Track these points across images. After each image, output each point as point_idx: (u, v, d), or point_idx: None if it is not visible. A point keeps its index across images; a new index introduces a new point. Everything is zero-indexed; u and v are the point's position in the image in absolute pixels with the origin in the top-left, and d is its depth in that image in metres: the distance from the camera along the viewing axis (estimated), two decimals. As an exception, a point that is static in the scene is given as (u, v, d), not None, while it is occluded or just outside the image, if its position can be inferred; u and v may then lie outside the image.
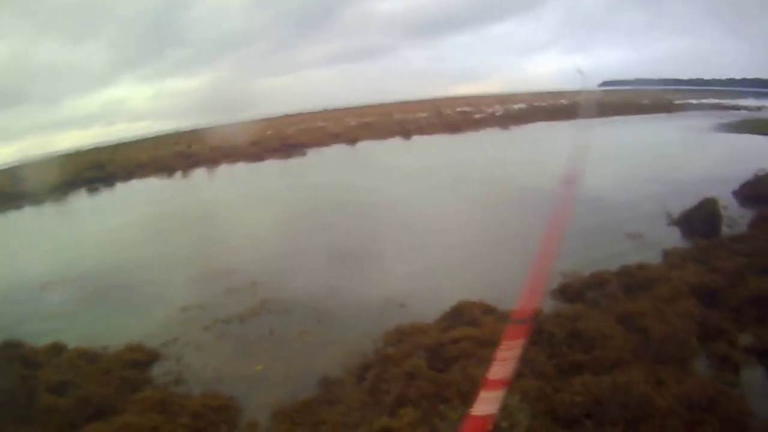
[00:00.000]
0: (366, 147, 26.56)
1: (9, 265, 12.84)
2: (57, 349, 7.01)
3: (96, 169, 28.41)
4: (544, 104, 42.39)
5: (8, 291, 10.72)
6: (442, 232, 10.83)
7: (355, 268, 9.34)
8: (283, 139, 29.69)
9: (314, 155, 26.07)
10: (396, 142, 26.97)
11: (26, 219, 21.19)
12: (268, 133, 33.03)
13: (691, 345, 5.45)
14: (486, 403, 1.34)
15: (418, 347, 5.79)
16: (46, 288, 10.46)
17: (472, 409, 1.36)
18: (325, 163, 23.16)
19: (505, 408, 4.27)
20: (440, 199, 13.50)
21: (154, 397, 5.70)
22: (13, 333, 7.39)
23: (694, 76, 73.67)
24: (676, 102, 37.43)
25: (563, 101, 43.45)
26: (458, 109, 38.89)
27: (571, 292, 7.28)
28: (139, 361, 6.69)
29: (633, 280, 7.15)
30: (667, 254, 8.35)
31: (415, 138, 27.49)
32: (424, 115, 37.37)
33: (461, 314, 6.54)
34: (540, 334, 5.56)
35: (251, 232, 12.40)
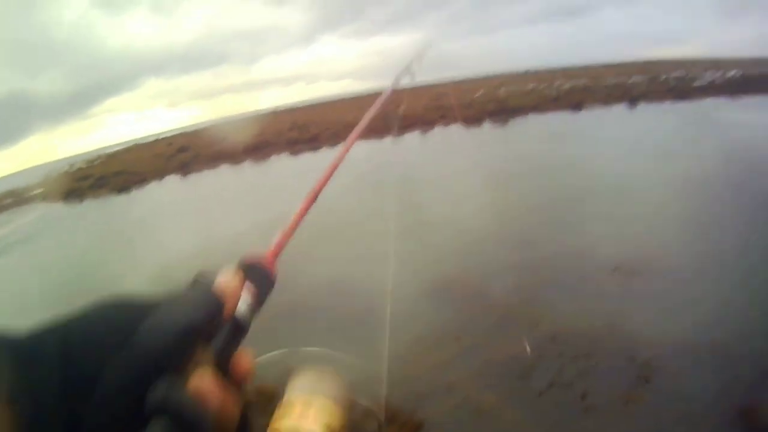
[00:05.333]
0: (596, 115, 24.35)
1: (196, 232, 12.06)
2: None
3: (298, 130, 28.83)
4: (758, 73, 38.55)
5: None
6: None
7: (660, 291, 6.67)
8: (499, 101, 28.46)
9: (537, 121, 24.56)
10: (625, 110, 24.65)
11: (225, 182, 21.10)
12: (478, 94, 33.97)
13: None
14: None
15: None
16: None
17: None
18: (560, 133, 20.51)
19: None
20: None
21: None
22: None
23: None
24: None
25: (777, 70, 38.71)
26: (672, 75, 36.62)
27: None
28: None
29: None
30: None
31: (643, 106, 25.31)
32: (638, 79, 34.88)
33: None
34: None
35: (493, 230, 9.52)
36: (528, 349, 5.03)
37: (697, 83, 31.95)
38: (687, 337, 5.50)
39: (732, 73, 38.15)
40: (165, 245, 12.40)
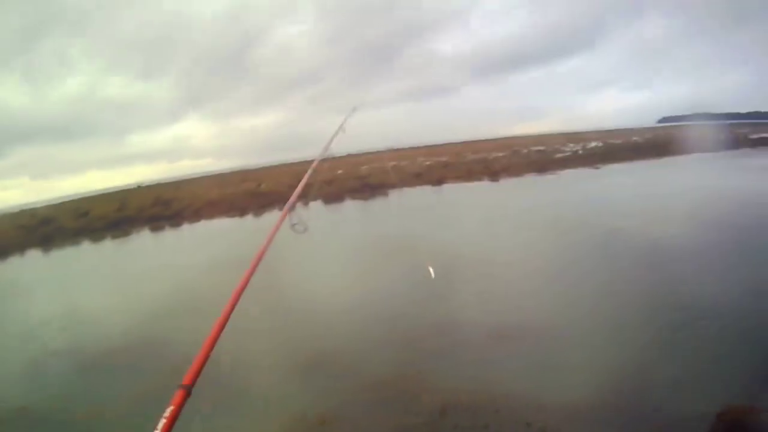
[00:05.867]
0: (456, 189, 24.07)
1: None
2: None
3: (161, 206, 27.68)
4: (619, 142, 40.04)
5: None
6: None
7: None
8: (361, 178, 27.67)
9: (400, 197, 23.74)
10: (487, 185, 24.54)
11: (86, 258, 19.92)
12: (339, 172, 31.96)
13: None
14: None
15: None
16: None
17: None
18: (423, 208, 20.26)
19: None
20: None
21: None
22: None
23: (753, 109, 70.60)
24: (752, 137, 33.57)
25: (636, 138, 41.19)
26: (534, 149, 37.06)
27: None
28: None
29: None
30: None
31: (505, 180, 25.29)
32: (500, 154, 35.46)
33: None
34: None
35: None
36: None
37: (558, 155, 32.02)
38: (578, 398, 5.15)
39: (593, 144, 39.31)
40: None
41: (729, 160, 24.71)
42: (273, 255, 2.38)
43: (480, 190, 23.52)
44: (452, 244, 12.39)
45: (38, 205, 43.57)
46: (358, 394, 5.84)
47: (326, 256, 12.97)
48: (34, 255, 21.43)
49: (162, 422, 1.26)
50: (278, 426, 5.39)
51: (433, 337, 7.21)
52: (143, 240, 21.74)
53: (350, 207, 22.74)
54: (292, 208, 2.79)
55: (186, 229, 22.90)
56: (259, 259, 2.10)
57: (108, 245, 21.48)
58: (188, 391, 1.40)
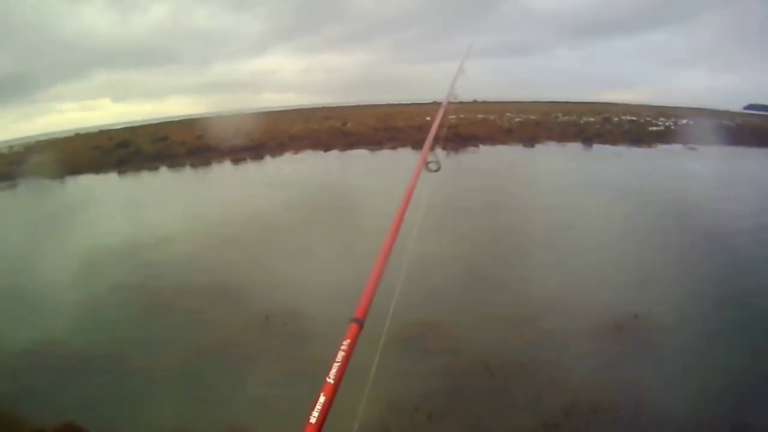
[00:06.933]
0: (553, 151, 23.09)
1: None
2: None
3: (242, 138, 27.21)
4: (710, 122, 37.80)
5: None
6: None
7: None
8: (450, 128, 27.64)
9: (492, 151, 23.22)
10: (582, 149, 23.79)
11: (166, 186, 19.56)
12: (427, 119, 31.93)
13: None
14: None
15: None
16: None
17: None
18: (524, 169, 19.24)
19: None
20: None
21: None
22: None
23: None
24: None
25: (727, 122, 38.85)
26: (625, 118, 35.72)
27: None
28: None
29: None
30: None
31: (598, 147, 24.13)
32: (591, 119, 34.52)
33: None
34: None
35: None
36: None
37: (652, 128, 30.87)
38: (708, 412, 4.54)
39: (685, 121, 37.50)
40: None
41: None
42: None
43: (581, 155, 22.53)
44: (565, 215, 12.02)
45: (117, 127, 44.57)
46: (466, 379, 5.26)
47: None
48: (110, 178, 21.39)
49: (341, 354, 1.35)
50: (377, 416, 4.69)
51: (544, 319, 6.57)
52: (226, 171, 21.34)
53: (439, 155, 22.40)
54: (431, 147, 2.78)
55: (269, 162, 22.65)
56: (409, 195, 2.08)
57: (188, 173, 21.25)
58: (361, 325, 1.46)
